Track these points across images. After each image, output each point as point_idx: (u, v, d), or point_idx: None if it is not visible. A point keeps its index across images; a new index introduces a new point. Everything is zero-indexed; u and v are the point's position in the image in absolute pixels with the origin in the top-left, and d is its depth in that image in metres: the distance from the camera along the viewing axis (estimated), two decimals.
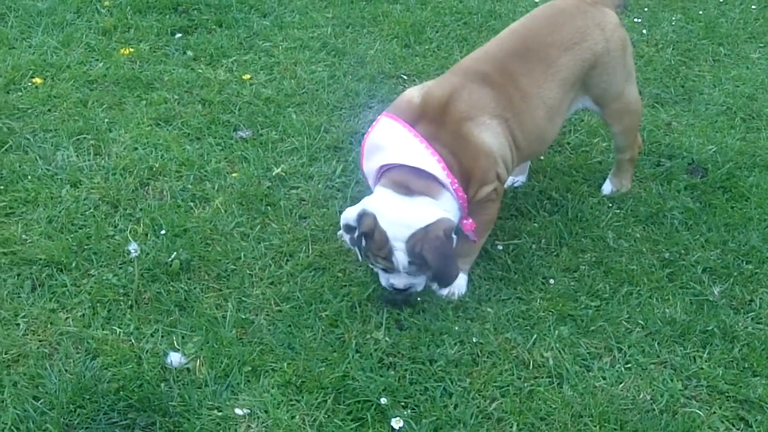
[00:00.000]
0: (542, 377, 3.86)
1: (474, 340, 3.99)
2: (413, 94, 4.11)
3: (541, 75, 4.20)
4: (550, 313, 4.14)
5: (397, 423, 3.61)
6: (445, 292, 4.20)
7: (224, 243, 4.48)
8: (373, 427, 3.63)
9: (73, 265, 4.33)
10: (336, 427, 3.62)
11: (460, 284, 4.23)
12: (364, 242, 3.93)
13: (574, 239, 4.56)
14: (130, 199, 4.77)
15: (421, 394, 3.77)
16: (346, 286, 4.25)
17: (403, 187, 3.89)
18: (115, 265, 4.35)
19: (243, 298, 4.19)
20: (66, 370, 3.83)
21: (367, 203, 3.94)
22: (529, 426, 3.66)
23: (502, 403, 3.74)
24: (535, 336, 4.02)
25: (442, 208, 3.91)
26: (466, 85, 4.08)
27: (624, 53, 4.48)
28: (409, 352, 3.93)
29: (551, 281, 4.31)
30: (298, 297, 4.19)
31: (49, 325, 4.04)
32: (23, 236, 4.51)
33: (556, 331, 4.04)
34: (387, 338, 3.98)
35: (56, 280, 4.27)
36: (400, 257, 3.89)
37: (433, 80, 4.26)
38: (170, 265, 4.30)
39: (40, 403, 3.68)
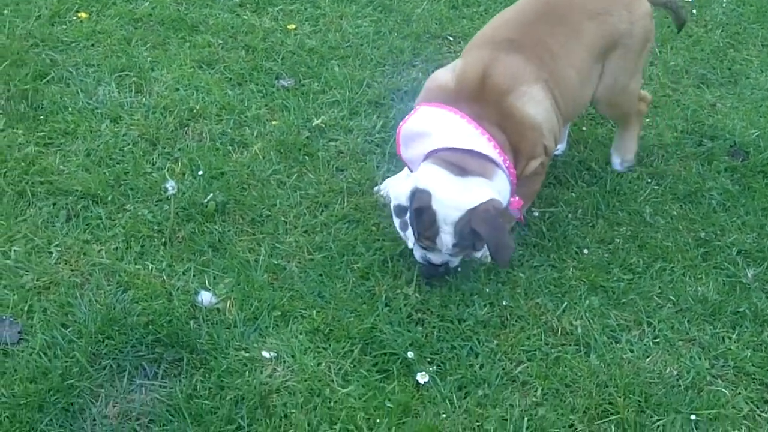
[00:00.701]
0: (570, 345, 3.85)
1: (504, 303, 3.98)
2: (444, 77, 4.02)
3: (567, 38, 4.10)
4: (582, 282, 4.12)
5: (422, 377, 3.62)
6: (479, 254, 4.09)
7: (260, 189, 4.48)
8: (398, 380, 3.64)
9: (109, 198, 4.34)
10: (361, 377, 3.63)
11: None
12: (416, 219, 3.78)
13: (610, 212, 4.54)
14: (169, 138, 4.77)
15: (447, 351, 3.77)
16: (379, 240, 4.24)
17: (456, 167, 3.77)
18: (150, 202, 4.35)
19: (276, 244, 4.19)
20: (96, 301, 3.84)
21: (418, 180, 3.78)
22: (554, 391, 3.66)
23: (528, 367, 3.74)
24: (565, 304, 4.00)
25: (495, 188, 3.80)
26: (497, 57, 3.96)
27: (644, 44, 4.38)
28: (439, 309, 3.92)
29: (585, 251, 4.29)
30: (330, 247, 4.18)
31: (81, 256, 4.06)
32: (61, 167, 4.52)
33: (587, 301, 4.03)
34: (417, 294, 3.98)
35: (91, 212, 4.28)
36: (446, 239, 3.79)
37: (460, 59, 4.12)
38: (206, 206, 4.31)
39: (69, 331, 3.71)
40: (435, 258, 3.92)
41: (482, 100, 3.88)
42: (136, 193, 4.39)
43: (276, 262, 4.09)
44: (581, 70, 4.14)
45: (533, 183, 4.17)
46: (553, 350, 3.81)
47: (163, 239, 4.15)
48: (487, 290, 4.03)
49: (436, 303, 3.94)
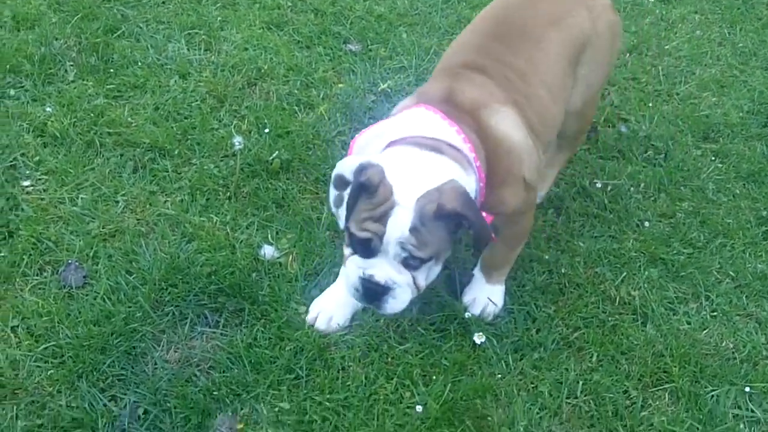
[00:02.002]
0: (627, 314, 3.86)
1: (563, 271, 3.99)
2: (407, 103, 3.49)
3: (531, 53, 3.59)
4: (642, 254, 4.12)
5: (479, 338, 3.64)
6: (477, 310, 3.75)
7: (325, 149, 4.52)
8: (455, 339, 3.67)
9: (176, 152, 4.41)
10: (418, 335, 3.66)
11: (496, 299, 3.79)
12: (356, 199, 3.10)
13: (673, 187, 4.52)
14: (236, 96, 4.82)
15: (504, 315, 3.79)
16: None
17: (427, 146, 3.17)
18: (216, 157, 4.41)
19: None
20: (161, 250, 3.91)
21: (372, 157, 3.17)
22: (609, 358, 3.67)
23: (584, 333, 3.75)
24: (624, 274, 4.01)
25: (466, 183, 3.16)
26: (460, 80, 3.44)
27: (612, 41, 3.92)
28: None
29: (646, 224, 4.29)
30: None
31: (147, 206, 4.13)
32: (129, 119, 4.59)
33: (646, 272, 4.03)
34: (474, 258, 3.99)
35: (158, 164, 4.35)
36: (401, 220, 3.02)
37: (421, 87, 3.60)
38: (271, 164, 4.36)
39: (133, 278, 3.77)
40: (378, 271, 3.15)
41: (457, 112, 3.34)
42: (202, 148, 4.45)
43: None
44: (553, 86, 3.64)
45: (519, 221, 3.63)
46: (610, 318, 3.82)
47: (228, 194, 4.21)
48: (546, 257, 4.04)
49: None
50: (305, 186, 4.31)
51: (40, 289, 3.73)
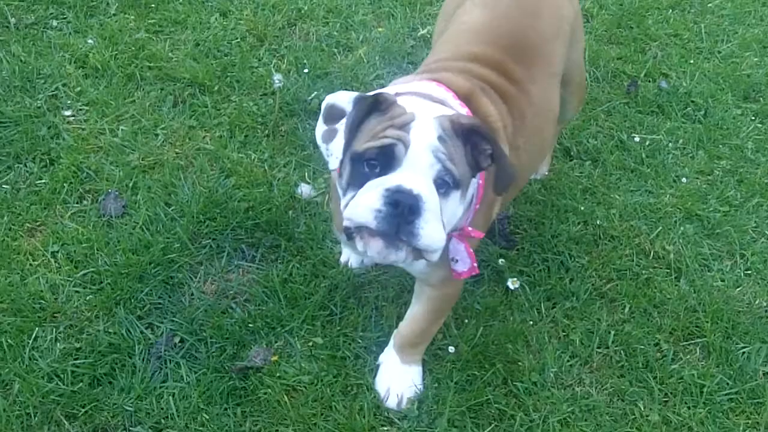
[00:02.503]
0: (661, 268, 3.86)
1: (597, 223, 3.99)
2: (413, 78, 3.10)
3: (545, 77, 3.29)
4: (678, 209, 4.11)
5: (513, 284, 3.66)
6: (394, 403, 3.30)
7: (363, 91, 4.50)
8: (489, 284, 3.69)
9: (216, 88, 4.42)
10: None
11: (415, 380, 3.36)
12: (363, 118, 2.67)
13: (711, 144, 4.50)
14: (276, 36, 4.82)
15: (538, 263, 3.81)
16: None
17: (436, 101, 2.84)
18: (255, 95, 4.43)
19: None
20: (199, 184, 3.94)
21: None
22: (642, 310, 3.68)
23: (617, 285, 3.76)
24: (659, 228, 4.01)
25: None
26: (483, 93, 3.04)
27: (579, 12, 3.66)
28: (531, 224, 3.94)
29: (683, 180, 4.28)
30: None
31: (187, 140, 4.15)
32: (169, 54, 4.60)
33: (681, 228, 4.03)
34: (512, 208, 4.00)
35: (197, 99, 4.37)
36: (427, 126, 2.62)
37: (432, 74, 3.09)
38: (309, 103, 4.37)
39: (171, 210, 3.81)
40: (406, 180, 2.55)
41: None
42: (241, 86, 4.46)
43: None
44: (556, 114, 3.42)
45: (447, 286, 3.14)
46: (643, 272, 3.83)
47: (266, 131, 4.22)
48: (582, 209, 4.04)
49: (531, 216, 3.96)
50: None
51: (80, 216, 3.77)
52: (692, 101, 4.75)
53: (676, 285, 3.79)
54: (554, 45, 3.36)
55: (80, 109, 4.25)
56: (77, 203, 3.83)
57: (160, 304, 3.48)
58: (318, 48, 4.75)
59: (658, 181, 4.25)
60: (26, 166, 3.94)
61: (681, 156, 4.42)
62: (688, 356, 3.55)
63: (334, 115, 2.71)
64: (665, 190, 4.21)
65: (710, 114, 4.67)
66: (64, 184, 3.86)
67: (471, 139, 2.68)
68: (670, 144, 4.47)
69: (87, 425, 3.15)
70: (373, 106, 2.65)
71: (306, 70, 4.55)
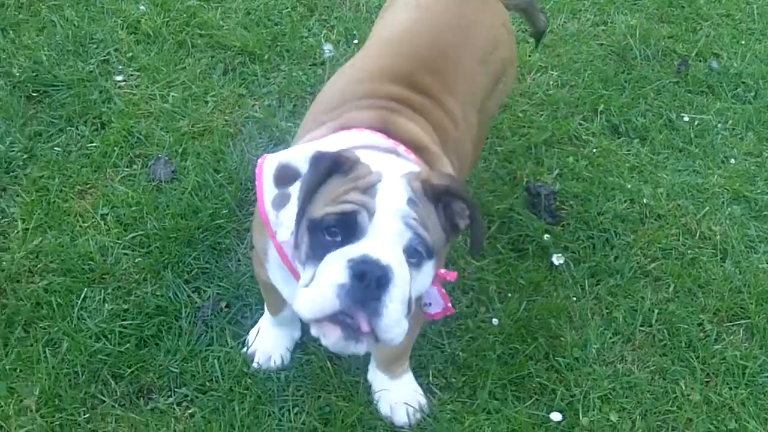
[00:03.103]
0: (707, 248, 3.85)
1: (644, 201, 3.98)
2: (323, 132, 2.70)
3: (467, 95, 3.02)
4: (726, 190, 4.09)
5: (558, 259, 3.67)
6: (403, 417, 3.17)
7: None
8: (533, 259, 3.69)
9: (266, 57, 4.44)
10: (497, 253, 3.69)
11: (414, 388, 3.25)
12: (322, 180, 2.36)
13: (761, 126, 4.47)
14: (326, 6, 4.83)
15: (583, 240, 3.81)
16: (525, 126, 4.27)
17: (387, 150, 2.56)
18: (305, 64, 4.45)
19: None
20: (248, 151, 3.97)
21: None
22: (686, 290, 3.68)
23: (662, 264, 3.76)
24: (706, 209, 3.99)
25: None
26: (394, 114, 2.73)
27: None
28: (578, 201, 3.94)
29: (732, 161, 4.25)
30: None
31: (236, 108, 4.18)
32: (220, 22, 4.63)
33: (729, 209, 4.01)
34: (558, 184, 4.00)
35: (247, 68, 4.40)
36: (395, 188, 2.33)
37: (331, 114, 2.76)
38: None
39: (220, 176, 3.84)
40: (373, 250, 2.25)
41: None
42: (291, 55, 4.48)
43: None
44: (472, 130, 3.09)
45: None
46: (689, 251, 3.82)
47: None
48: (629, 186, 4.03)
49: (578, 192, 3.96)
50: None
51: (129, 180, 3.82)
52: (743, 82, 4.71)
53: (721, 266, 3.78)
54: (479, 69, 3.07)
55: (131, 75, 4.29)
56: (127, 167, 3.87)
57: (207, 268, 3.52)
58: (368, 19, 4.74)
59: (707, 162, 4.23)
60: (78, 130, 3.99)
61: (730, 137, 4.39)
62: (732, 337, 3.55)
63: (286, 177, 2.39)
64: (713, 170, 4.19)
65: (760, 95, 4.64)
66: (115, 148, 3.91)
67: (442, 199, 2.41)
68: (719, 124, 4.44)
69: (133, 385, 3.21)
70: (334, 167, 2.35)
71: (356, 41, 4.56)
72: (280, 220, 2.38)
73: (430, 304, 2.65)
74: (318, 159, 2.35)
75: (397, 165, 2.44)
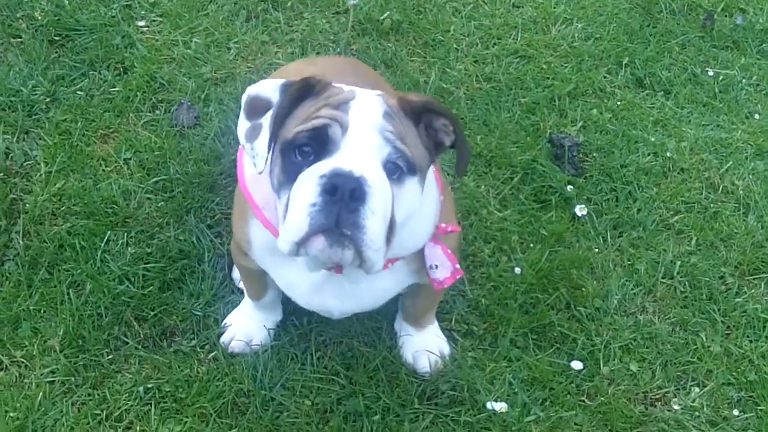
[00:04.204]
0: (729, 202, 3.84)
1: (668, 155, 3.97)
2: None
3: None
4: (749, 145, 4.07)
5: (581, 210, 3.66)
6: (425, 366, 3.17)
7: (436, 14, 4.50)
8: (556, 211, 3.69)
9: (288, 4, 4.42)
10: (519, 203, 3.69)
11: (439, 337, 3.25)
12: (293, 104, 2.34)
13: None
14: None
15: (606, 192, 3.80)
16: (549, 78, 4.25)
17: None
18: (328, 12, 4.43)
19: (446, 69, 4.23)
20: None
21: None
22: (708, 244, 3.67)
23: (684, 217, 3.75)
24: (730, 163, 3.97)
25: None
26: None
27: None
28: (601, 153, 3.93)
29: (756, 116, 4.23)
30: (500, 79, 4.20)
31: (259, 55, 4.17)
32: None
33: (752, 164, 3.99)
34: (582, 136, 3.98)
35: (270, 15, 4.38)
36: (370, 103, 2.30)
37: None
38: (381, 23, 4.35)
39: None
40: (345, 162, 2.19)
41: None
42: (314, 2, 4.46)
43: (445, 86, 4.14)
44: None
45: None
46: (712, 205, 3.81)
47: (338, 50, 4.22)
48: (653, 140, 4.01)
49: (602, 144, 3.95)
50: (414, 49, 4.32)
51: (152, 125, 3.82)
52: None
53: (743, 220, 3.77)
54: None
55: (154, 20, 4.27)
56: (150, 112, 3.87)
57: (229, 213, 3.52)
58: None
59: (731, 117, 4.21)
60: (100, 74, 3.99)
61: (754, 92, 4.36)
62: (753, 290, 3.55)
63: (257, 108, 2.34)
64: (737, 125, 4.17)
65: None
66: (137, 93, 3.91)
67: (422, 119, 2.38)
68: (744, 80, 4.41)
69: (156, 327, 3.23)
70: (305, 91, 2.32)
71: None
72: (255, 151, 2.31)
73: (436, 266, 2.62)
74: (288, 84, 2.33)
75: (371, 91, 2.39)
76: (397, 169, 2.26)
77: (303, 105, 2.31)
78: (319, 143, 2.22)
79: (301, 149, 2.24)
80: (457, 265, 2.62)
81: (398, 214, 2.28)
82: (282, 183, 2.27)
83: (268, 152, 2.30)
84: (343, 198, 2.13)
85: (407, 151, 2.25)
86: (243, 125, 2.35)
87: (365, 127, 2.22)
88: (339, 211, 2.14)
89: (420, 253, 2.61)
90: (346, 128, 2.22)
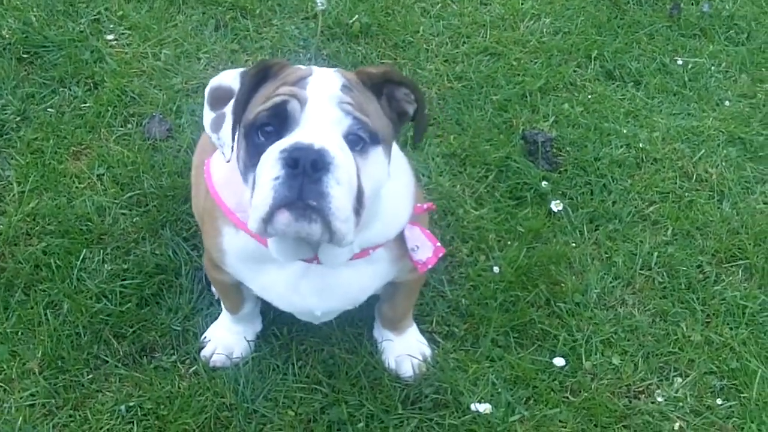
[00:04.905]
0: (704, 190, 3.86)
1: (640, 146, 3.98)
2: None
3: None
4: (721, 132, 4.09)
5: (556, 206, 3.67)
6: (408, 371, 3.18)
7: (404, 15, 4.50)
8: (532, 207, 3.69)
9: (257, 12, 4.41)
10: (495, 201, 3.70)
11: (419, 340, 3.27)
12: (253, 88, 2.35)
13: (755, 68, 4.46)
14: None
15: (581, 186, 3.81)
16: (519, 75, 4.25)
17: None
18: (297, 18, 4.42)
19: (417, 70, 4.23)
20: None
21: None
22: (684, 233, 3.68)
23: (660, 207, 3.76)
24: (702, 151, 3.99)
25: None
26: None
27: None
28: (574, 147, 3.94)
29: (726, 103, 4.25)
30: (471, 77, 4.21)
31: (229, 64, 4.16)
32: None
33: (724, 151, 4.01)
34: (555, 131, 3.99)
35: (239, 23, 4.37)
36: (327, 78, 2.32)
37: None
38: (351, 27, 4.35)
39: None
40: (305, 135, 2.20)
41: None
42: (283, 9, 4.45)
43: None
44: None
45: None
46: (686, 194, 3.82)
47: (309, 55, 4.22)
48: (625, 131, 4.02)
49: (575, 139, 3.96)
50: (384, 51, 4.32)
51: (124, 140, 3.81)
52: (735, 24, 4.69)
53: (718, 207, 3.79)
54: None
55: (122, 33, 4.26)
56: (122, 126, 3.86)
57: None
58: None
59: (701, 105, 4.23)
60: (71, 90, 3.98)
61: (724, 79, 4.38)
62: (731, 278, 3.56)
63: (220, 98, 2.36)
64: (708, 113, 4.19)
65: (753, 37, 4.63)
66: (109, 108, 3.90)
67: (384, 91, 2.40)
68: (713, 67, 4.43)
69: (135, 344, 3.21)
70: (264, 74, 2.35)
71: None
72: (221, 141, 2.32)
73: (417, 247, 2.63)
74: (246, 72, 2.35)
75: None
76: (360, 141, 2.26)
77: (263, 88, 2.33)
78: (279, 120, 2.24)
79: (263, 129, 2.25)
80: (438, 243, 2.64)
81: (366, 186, 2.27)
82: (248, 166, 2.28)
83: (233, 139, 2.31)
84: (305, 171, 2.13)
85: (368, 121, 2.26)
86: (208, 116, 2.37)
87: (323, 101, 2.24)
88: (302, 184, 2.14)
89: (399, 239, 2.62)
90: (305, 103, 2.23)
